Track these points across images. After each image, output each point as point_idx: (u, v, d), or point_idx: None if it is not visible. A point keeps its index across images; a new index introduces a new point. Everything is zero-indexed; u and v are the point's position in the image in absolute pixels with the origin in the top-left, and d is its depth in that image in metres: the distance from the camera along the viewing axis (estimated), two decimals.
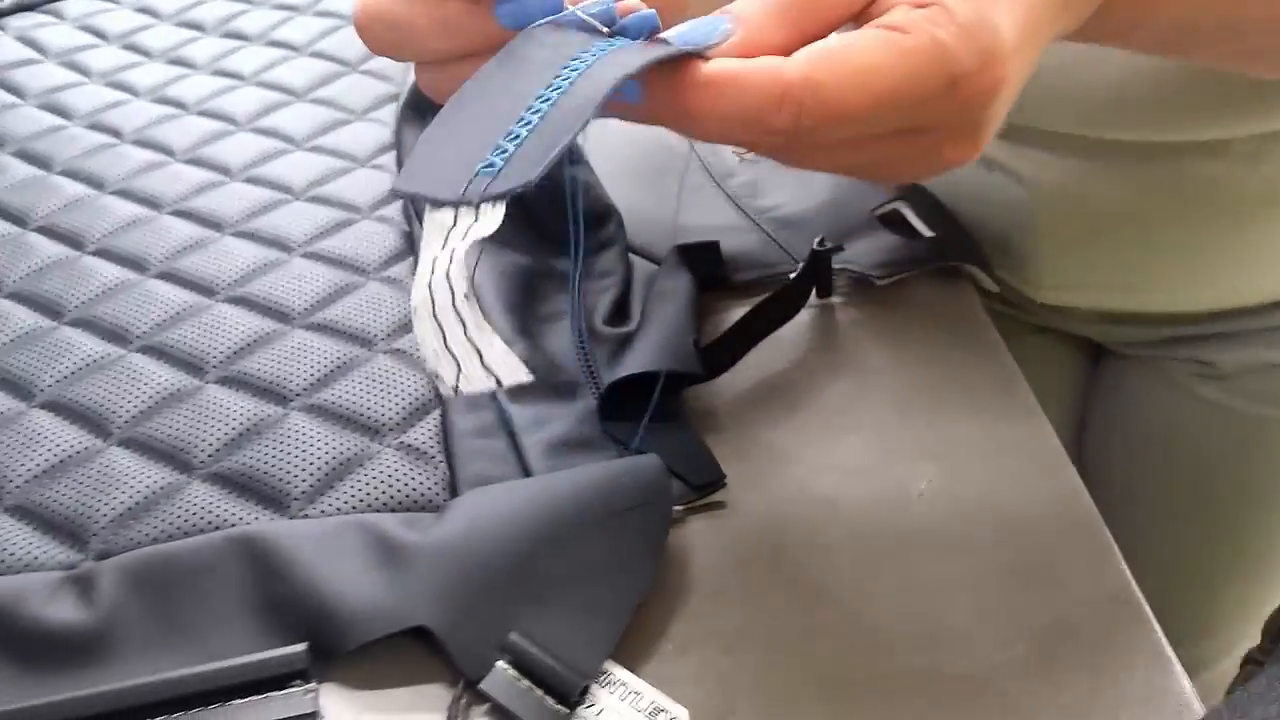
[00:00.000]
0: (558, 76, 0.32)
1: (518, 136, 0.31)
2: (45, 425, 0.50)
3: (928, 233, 0.58)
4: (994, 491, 0.46)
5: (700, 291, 0.56)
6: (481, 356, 0.32)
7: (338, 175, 0.68)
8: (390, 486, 0.45)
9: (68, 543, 0.44)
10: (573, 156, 0.61)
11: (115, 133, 0.74)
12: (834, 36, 0.34)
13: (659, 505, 0.43)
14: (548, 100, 0.31)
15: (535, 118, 0.31)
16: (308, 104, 0.76)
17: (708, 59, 0.34)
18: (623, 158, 0.68)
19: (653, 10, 0.36)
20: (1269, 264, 0.61)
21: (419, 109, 0.67)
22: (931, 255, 0.57)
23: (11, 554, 0.43)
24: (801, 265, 0.56)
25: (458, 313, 0.31)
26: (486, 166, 0.30)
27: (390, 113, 0.75)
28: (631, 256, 0.59)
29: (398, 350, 0.53)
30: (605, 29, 0.35)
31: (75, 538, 0.44)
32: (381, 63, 0.81)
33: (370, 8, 0.35)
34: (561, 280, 0.59)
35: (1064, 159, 0.59)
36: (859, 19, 0.35)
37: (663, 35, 0.35)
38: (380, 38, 0.35)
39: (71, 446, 0.48)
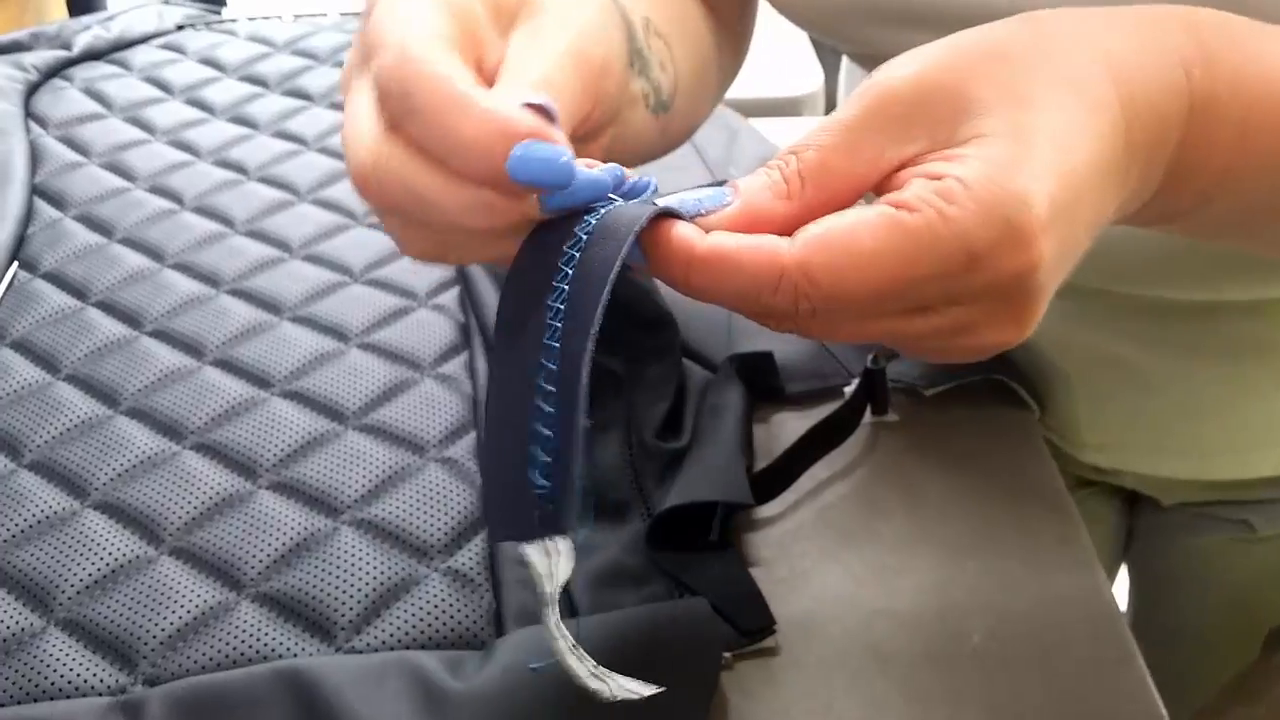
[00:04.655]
0: (567, 257, 0.32)
1: (545, 370, 0.31)
2: (98, 529, 0.50)
3: None
4: (1047, 649, 0.45)
5: (753, 404, 0.56)
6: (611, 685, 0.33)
7: (397, 257, 0.68)
8: (436, 619, 0.45)
9: (117, 664, 0.44)
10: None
11: (177, 198, 0.74)
12: (840, 214, 0.32)
13: (707, 655, 0.43)
14: (563, 296, 0.32)
15: (556, 339, 0.31)
16: None
17: (706, 228, 0.33)
18: None
19: (651, 177, 0.35)
20: None
21: None
22: (978, 368, 0.56)
23: (61, 675, 0.44)
24: (855, 383, 0.55)
25: (576, 661, 0.33)
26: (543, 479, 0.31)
27: None
28: (686, 363, 0.59)
29: (448, 459, 0.53)
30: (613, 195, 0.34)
31: (125, 659, 0.44)
32: None
33: (381, 167, 0.32)
34: (612, 382, 0.58)
35: (1088, 313, 0.57)
36: (878, 191, 0.34)
37: (665, 200, 0.34)
38: (391, 197, 0.32)
39: (124, 554, 0.49)
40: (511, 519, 0.32)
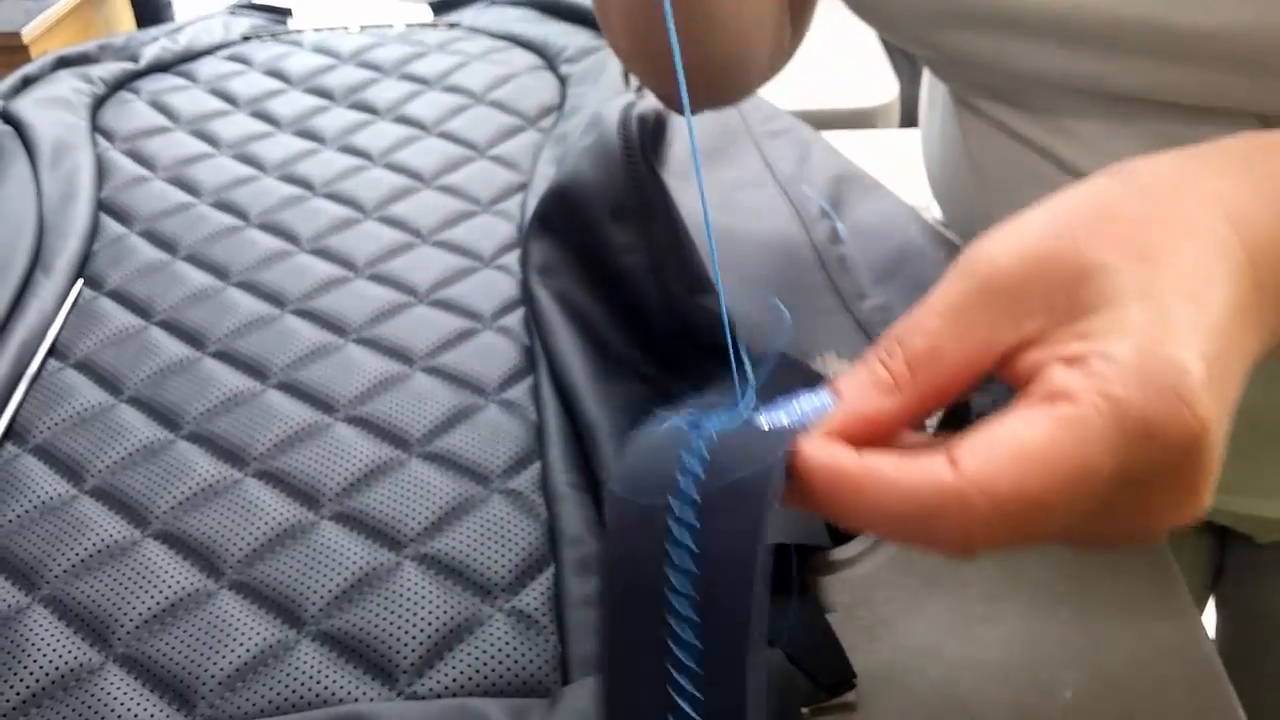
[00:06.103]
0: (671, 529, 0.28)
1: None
2: (159, 560, 0.49)
3: None
4: (1143, 705, 0.42)
5: None
6: None
7: (462, 276, 0.67)
8: (500, 663, 0.44)
9: (175, 704, 0.43)
10: (702, 285, 0.58)
11: (242, 214, 0.74)
12: (986, 427, 0.29)
13: (784, 710, 0.41)
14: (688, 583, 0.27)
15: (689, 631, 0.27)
16: (434, 191, 0.75)
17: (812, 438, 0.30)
18: (751, 268, 0.66)
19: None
20: None
21: (546, 222, 0.65)
22: None
23: (119, 715, 0.43)
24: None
25: None
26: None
27: (517, 204, 0.73)
28: None
29: (512, 491, 0.52)
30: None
31: (183, 699, 0.43)
32: (509, 149, 0.80)
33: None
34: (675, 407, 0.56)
35: None
36: (1001, 378, 0.30)
37: (767, 418, 0.31)
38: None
39: (184, 588, 0.48)
40: None
